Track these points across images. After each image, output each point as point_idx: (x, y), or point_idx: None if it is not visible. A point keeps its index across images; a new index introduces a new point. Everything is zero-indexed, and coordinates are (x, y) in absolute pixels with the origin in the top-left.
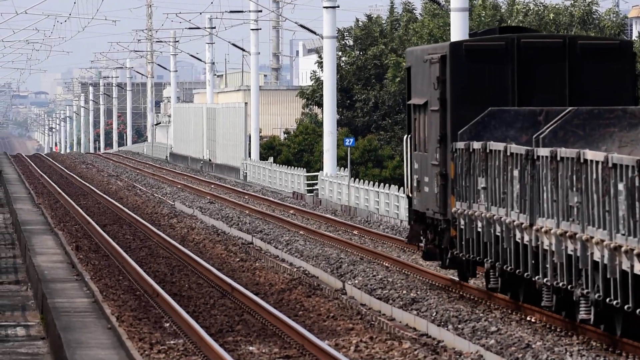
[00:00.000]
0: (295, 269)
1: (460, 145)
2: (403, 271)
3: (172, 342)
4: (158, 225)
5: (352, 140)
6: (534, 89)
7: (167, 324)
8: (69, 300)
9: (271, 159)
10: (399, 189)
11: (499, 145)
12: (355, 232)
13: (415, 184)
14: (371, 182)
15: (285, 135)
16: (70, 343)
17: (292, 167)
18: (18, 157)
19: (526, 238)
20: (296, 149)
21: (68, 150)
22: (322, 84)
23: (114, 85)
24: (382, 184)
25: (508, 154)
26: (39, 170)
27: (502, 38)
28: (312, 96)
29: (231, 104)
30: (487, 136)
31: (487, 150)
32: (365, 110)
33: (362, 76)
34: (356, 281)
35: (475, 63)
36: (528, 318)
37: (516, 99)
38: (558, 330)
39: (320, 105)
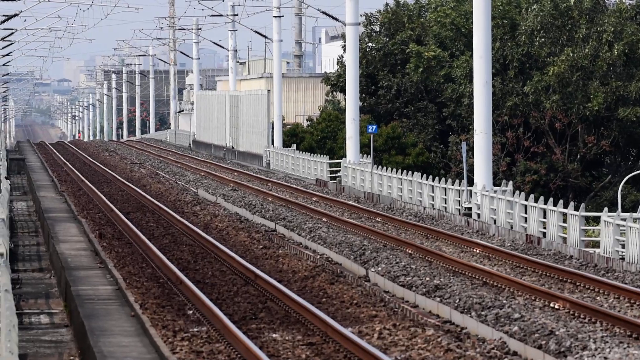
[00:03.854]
0: (318, 256)
1: None
2: (426, 258)
3: (195, 329)
4: (181, 212)
5: (374, 127)
6: None
7: (191, 312)
8: (92, 288)
9: (294, 146)
10: (422, 175)
11: None
12: (378, 219)
13: None
14: (394, 169)
15: (308, 123)
16: (93, 330)
17: (315, 154)
18: (41, 144)
19: None
20: (319, 136)
21: (91, 138)
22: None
23: (136, 72)
24: (405, 171)
25: None
26: (62, 158)
27: None
28: (337, 81)
29: (254, 91)
30: None
31: None
32: (388, 98)
33: (388, 62)
34: (379, 268)
35: None
36: (552, 305)
37: None
38: (582, 317)
39: (344, 91)
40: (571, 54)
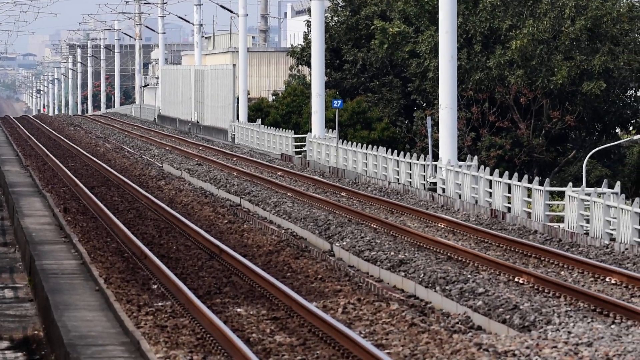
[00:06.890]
0: (283, 231)
1: None
2: (391, 233)
3: (160, 304)
4: (146, 187)
5: (340, 102)
6: None
7: (155, 286)
8: (57, 262)
9: (259, 121)
10: (387, 150)
11: None
12: (343, 193)
13: None
14: (359, 144)
15: (274, 97)
16: (58, 305)
17: (280, 129)
18: (6, 119)
19: None
20: (284, 111)
21: (56, 112)
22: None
23: (101, 47)
24: (370, 146)
25: None
26: (26, 132)
27: None
28: (302, 55)
29: (219, 66)
30: None
31: None
32: (354, 72)
33: (352, 37)
34: (344, 243)
35: None
36: (516, 279)
37: None
38: (546, 291)
39: (310, 65)
40: (532, 28)
